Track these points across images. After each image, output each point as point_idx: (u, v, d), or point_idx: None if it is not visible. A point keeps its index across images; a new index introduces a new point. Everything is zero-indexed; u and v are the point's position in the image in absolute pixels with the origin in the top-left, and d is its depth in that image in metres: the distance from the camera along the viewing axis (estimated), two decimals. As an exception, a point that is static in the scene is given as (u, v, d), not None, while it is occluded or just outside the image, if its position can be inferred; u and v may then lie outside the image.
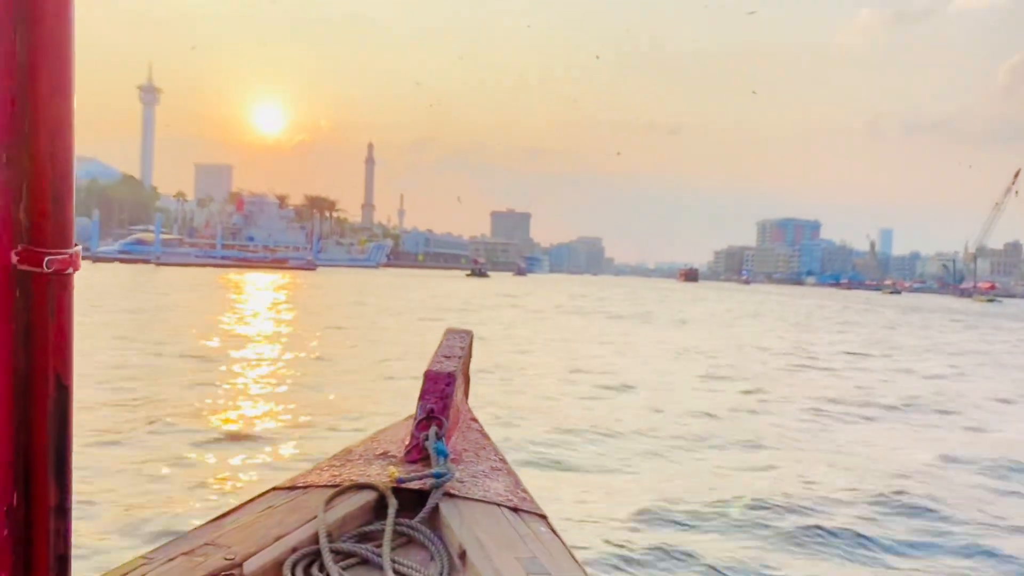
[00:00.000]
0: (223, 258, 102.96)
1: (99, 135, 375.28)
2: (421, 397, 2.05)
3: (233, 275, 68.05)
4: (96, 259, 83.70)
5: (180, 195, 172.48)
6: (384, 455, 2.00)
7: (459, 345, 2.46)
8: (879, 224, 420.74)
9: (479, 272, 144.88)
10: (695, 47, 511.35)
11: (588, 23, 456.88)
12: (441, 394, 2.02)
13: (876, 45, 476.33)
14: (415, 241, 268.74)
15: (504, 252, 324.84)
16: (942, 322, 45.88)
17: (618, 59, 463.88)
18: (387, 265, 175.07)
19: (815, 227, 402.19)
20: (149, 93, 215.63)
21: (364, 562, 1.49)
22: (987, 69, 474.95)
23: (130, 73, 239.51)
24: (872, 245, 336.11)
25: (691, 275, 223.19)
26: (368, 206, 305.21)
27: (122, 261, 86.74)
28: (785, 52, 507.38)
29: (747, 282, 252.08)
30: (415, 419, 2.04)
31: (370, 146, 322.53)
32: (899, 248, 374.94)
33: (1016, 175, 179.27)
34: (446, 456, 1.85)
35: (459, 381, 2.19)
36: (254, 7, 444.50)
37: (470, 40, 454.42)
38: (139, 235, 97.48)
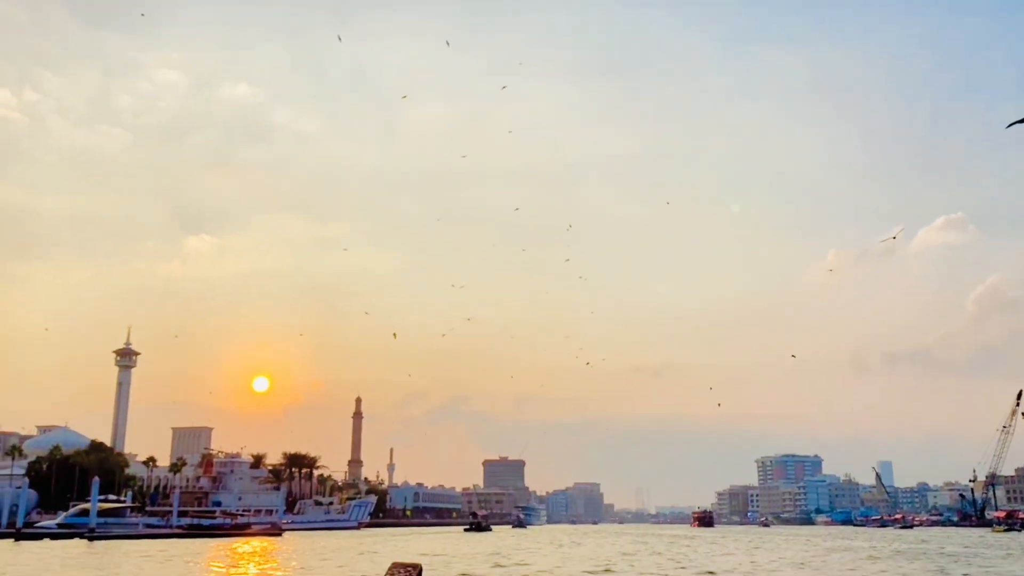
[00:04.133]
0: (177, 527, 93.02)
1: (73, 403, 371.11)
2: None
3: (168, 547, 59.29)
4: (20, 537, 74.60)
5: (151, 460, 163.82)
6: None
7: None
8: (876, 456, 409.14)
9: (479, 526, 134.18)
10: (675, 298, 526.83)
11: (572, 279, 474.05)
12: None
13: (845, 282, 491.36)
14: (403, 495, 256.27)
15: (499, 503, 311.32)
16: None
17: (603, 309, 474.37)
18: (370, 524, 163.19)
19: (816, 463, 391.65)
20: (126, 357, 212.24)
21: None
22: (955, 301, 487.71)
23: (108, 341, 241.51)
24: (878, 478, 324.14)
25: (706, 519, 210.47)
26: (355, 462, 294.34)
27: (53, 536, 77.33)
28: (759, 294, 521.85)
29: (765, 524, 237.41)
30: None
31: (358, 400, 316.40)
32: (900, 480, 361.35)
33: (1020, 396, 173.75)
34: None
35: None
36: (243, 275, 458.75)
37: (460, 294, 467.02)
38: (82, 506, 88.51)
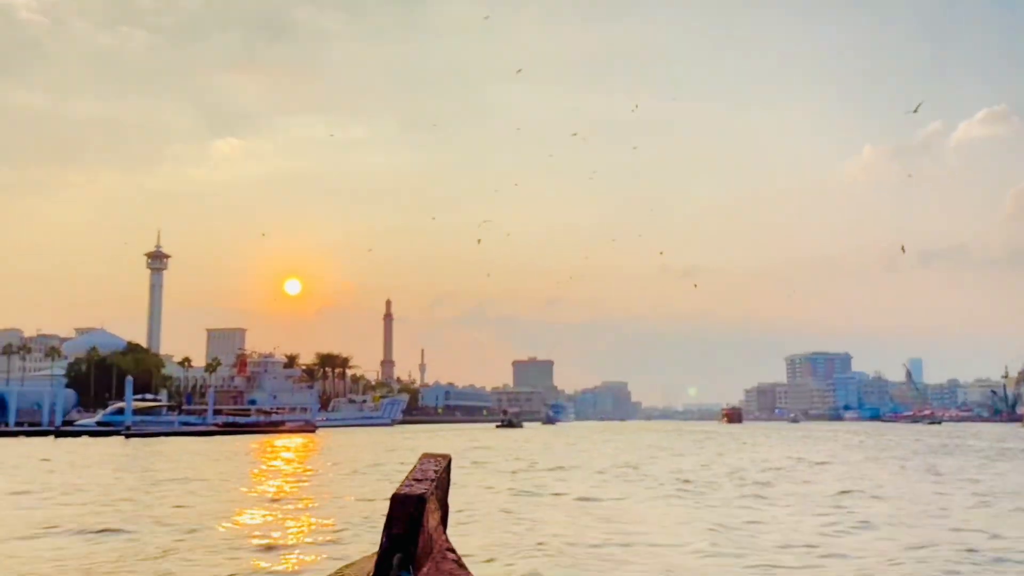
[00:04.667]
0: (213, 424, 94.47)
1: (109, 306, 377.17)
2: (386, 524, 1.82)
3: (203, 443, 59.67)
4: (59, 434, 76.09)
5: (186, 361, 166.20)
6: None
7: (433, 469, 2.10)
8: (907, 354, 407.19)
9: (510, 423, 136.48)
10: (702, 195, 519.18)
11: (589, 179, 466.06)
12: (408, 519, 1.73)
13: (881, 179, 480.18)
14: (435, 395, 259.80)
15: (528, 401, 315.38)
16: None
17: (627, 208, 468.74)
18: (403, 421, 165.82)
19: (846, 360, 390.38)
20: (157, 260, 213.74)
21: None
22: (993, 196, 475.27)
23: (141, 244, 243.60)
24: (908, 375, 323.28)
25: (735, 416, 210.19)
26: (387, 362, 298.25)
27: (91, 434, 78.77)
28: (790, 191, 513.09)
29: (795, 420, 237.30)
30: (380, 549, 1.82)
31: (388, 302, 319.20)
32: (930, 377, 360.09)
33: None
34: None
35: (432, 507, 1.89)
36: (271, 178, 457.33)
37: (486, 195, 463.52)
38: (119, 405, 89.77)
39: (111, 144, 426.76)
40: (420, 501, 1.85)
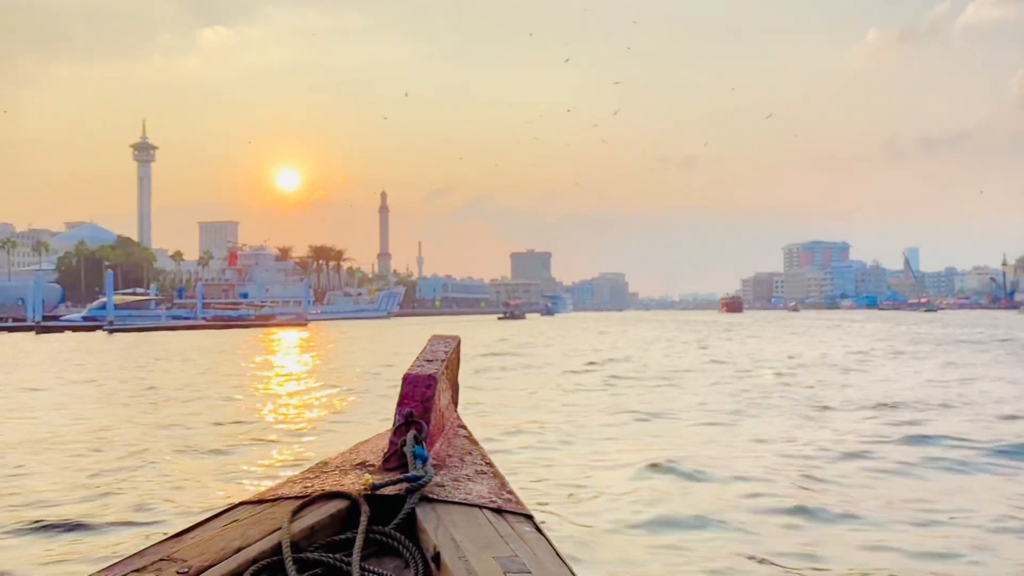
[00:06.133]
0: (202, 319, 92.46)
1: (98, 200, 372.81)
2: (399, 402, 1.89)
3: (185, 337, 57.52)
4: (40, 330, 73.93)
5: (177, 254, 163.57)
6: (362, 465, 1.90)
7: (443, 350, 2.21)
8: (905, 243, 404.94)
9: (512, 314, 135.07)
10: (702, 81, 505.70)
11: (589, 66, 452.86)
12: (420, 398, 1.85)
13: (886, 65, 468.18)
14: (432, 287, 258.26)
15: (526, 292, 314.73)
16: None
17: (627, 94, 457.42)
18: (400, 314, 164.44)
19: (844, 248, 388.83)
20: (143, 151, 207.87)
21: (331, 571, 1.45)
22: (999, 82, 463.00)
23: (130, 138, 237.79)
24: (906, 263, 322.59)
25: (734, 305, 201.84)
26: (384, 255, 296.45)
27: (74, 329, 76.76)
28: (793, 78, 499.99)
29: (795, 309, 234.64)
30: (393, 426, 1.91)
31: (383, 195, 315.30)
32: (927, 266, 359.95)
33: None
34: (425, 460, 1.75)
35: (442, 386, 2.01)
36: (261, 69, 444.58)
37: (484, 86, 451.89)
38: (105, 299, 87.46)
39: (97, 34, 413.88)
40: (430, 380, 1.92)
